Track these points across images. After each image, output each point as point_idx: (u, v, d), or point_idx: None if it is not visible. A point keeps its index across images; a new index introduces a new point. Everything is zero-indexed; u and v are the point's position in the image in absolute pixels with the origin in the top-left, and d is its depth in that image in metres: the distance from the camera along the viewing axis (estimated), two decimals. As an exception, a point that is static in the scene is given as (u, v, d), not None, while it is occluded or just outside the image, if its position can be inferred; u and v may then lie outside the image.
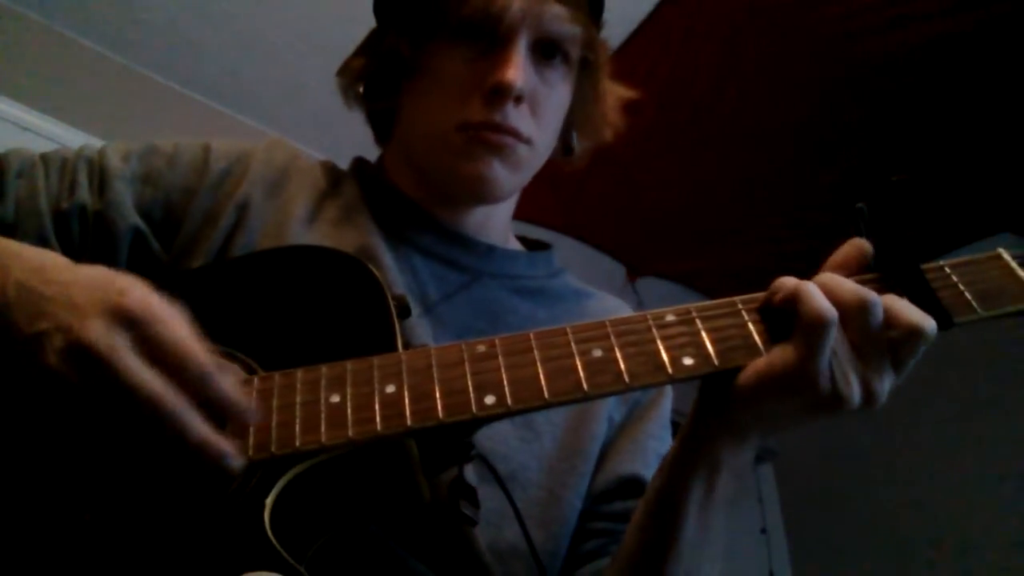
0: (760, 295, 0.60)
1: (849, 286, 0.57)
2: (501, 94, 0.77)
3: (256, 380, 0.59)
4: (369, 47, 0.90)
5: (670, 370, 0.57)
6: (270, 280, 0.69)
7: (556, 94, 0.84)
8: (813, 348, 0.54)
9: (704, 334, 0.58)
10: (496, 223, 0.91)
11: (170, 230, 0.78)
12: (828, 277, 0.59)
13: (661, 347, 0.58)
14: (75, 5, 2.20)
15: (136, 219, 0.77)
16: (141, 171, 0.80)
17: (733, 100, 2.35)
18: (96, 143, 0.83)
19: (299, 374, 0.59)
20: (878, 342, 0.56)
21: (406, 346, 0.63)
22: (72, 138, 2.09)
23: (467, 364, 0.58)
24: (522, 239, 0.99)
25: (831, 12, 2.10)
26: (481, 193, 0.83)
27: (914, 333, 0.56)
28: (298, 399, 0.58)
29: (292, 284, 0.69)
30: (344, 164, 0.95)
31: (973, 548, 2.53)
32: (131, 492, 0.54)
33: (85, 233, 0.75)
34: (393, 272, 0.79)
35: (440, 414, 0.56)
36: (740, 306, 0.60)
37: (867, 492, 2.88)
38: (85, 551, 0.52)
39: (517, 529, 0.70)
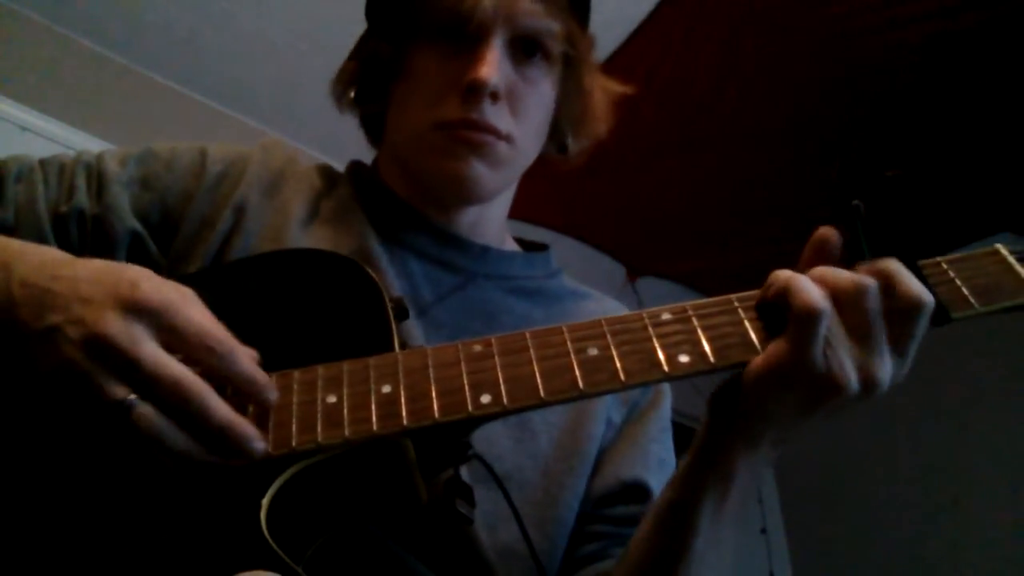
0: (756, 292, 0.60)
1: (845, 274, 0.57)
2: (476, 92, 0.78)
3: None
4: (357, 52, 0.91)
5: (666, 368, 0.57)
6: (268, 283, 0.70)
7: (537, 91, 0.84)
8: (805, 338, 0.54)
9: (700, 332, 0.58)
10: (490, 223, 0.91)
11: (168, 233, 0.79)
12: (823, 268, 0.59)
13: (657, 345, 0.58)
14: (75, 5, 2.20)
15: (134, 223, 0.77)
16: (139, 175, 0.80)
17: (733, 100, 2.35)
18: (96, 143, 0.84)
19: (296, 375, 0.60)
20: (874, 324, 0.56)
21: (402, 347, 0.63)
22: (72, 138, 2.09)
23: (463, 363, 0.59)
24: (520, 240, 0.99)
25: (831, 12, 2.10)
26: (463, 192, 0.83)
27: (913, 305, 0.56)
28: (295, 399, 0.58)
29: (289, 287, 0.69)
30: (345, 164, 0.96)
31: (973, 548, 2.53)
32: (133, 489, 0.54)
33: (84, 237, 0.75)
34: (389, 275, 0.79)
35: (436, 413, 0.56)
36: (736, 304, 0.60)
37: (867, 492, 2.88)
38: (86, 549, 0.52)
39: (513, 530, 0.70)
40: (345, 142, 1.03)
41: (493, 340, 0.60)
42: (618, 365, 0.57)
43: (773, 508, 3.17)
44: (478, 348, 0.59)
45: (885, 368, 0.56)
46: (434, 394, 0.57)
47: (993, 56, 2.13)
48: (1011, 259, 0.62)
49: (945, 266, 0.62)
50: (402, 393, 0.57)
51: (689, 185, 2.63)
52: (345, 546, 0.62)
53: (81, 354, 0.51)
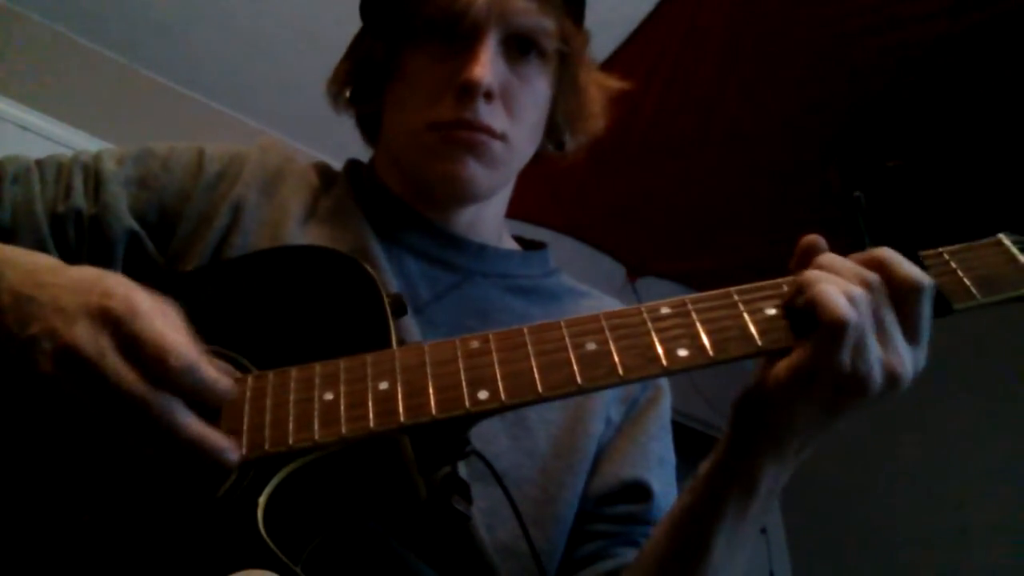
0: (755, 285, 0.60)
1: (849, 270, 0.58)
2: (470, 92, 0.77)
3: (250, 379, 0.59)
4: (352, 52, 0.91)
5: (665, 362, 0.57)
6: (265, 280, 0.69)
7: (532, 89, 0.83)
8: (836, 347, 0.55)
9: (699, 325, 0.58)
10: (487, 222, 0.91)
11: (165, 232, 0.79)
12: (830, 261, 0.59)
13: (656, 339, 0.58)
14: (75, 5, 2.20)
15: (131, 222, 0.77)
16: (136, 175, 0.80)
17: (733, 100, 2.35)
18: (96, 143, 0.84)
19: (293, 372, 0.59)
20: (885, 316, 0.56)
21: (400, 344, 0.62)
22: (72, 138, 2.09)
23: (460, 360, 0.58)
24: (519, 239, 0.99)
25: (830, 12, 2.10)
26: (458, 192, 0.83)
27: (912, 287, 0.56)
28: (292, 397, 0.58)
29: (287, 284, 0.68)
30: (343, 163, 0.95)
31: (973, 548, 2.53)
32: (127, 493, 0.54)
33: (81, 237, 0.75)
34: (387, 273, 0.79)
35: (433, 410, 0.56)
36: (735, 297, 0.60)
37: (867, 492, 2.88)
38: (82, 552, 0.52)
39: (511, 528, 0.70)
40: (343, 141, 1.03)
41: (491, 336, 0.59)
42: (616, 360, 0.57)
43: (773, 508, 3.17)
44: (476, 344, 0.59)
45: (904, 358, 0.56)
46: (431, 391, 0.57)
47: (993, 57, 2.13)
48: (1014, 249, 0.61)
49: (947, 256, 0.61)
50: (399, 390, 0.57)
51: (689, 185, 2.63)
52: (343, 544, 0.62)
53: (53, 366, 0.51)
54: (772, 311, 0.59)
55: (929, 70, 2.19)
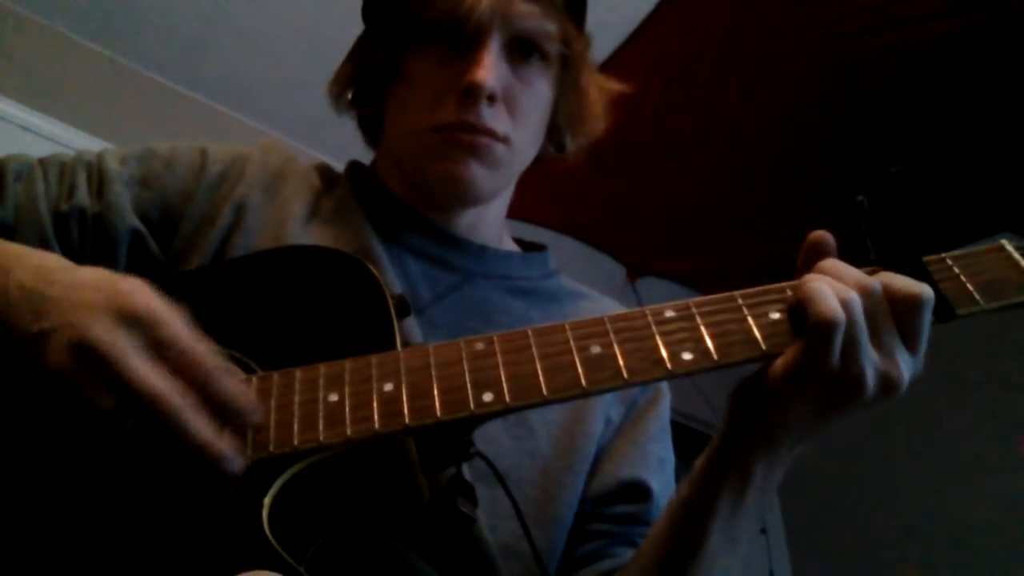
0: (760, 289, 0.60)
1: (851, 276, 0.58)
2: (473, 95, 0.78)
3: (255, 380, 0.59)
4: (354, 54, 0.91)
5: (669, 366, 0.57)
6: (269, 280, 0.69)
7: (534, 92, 0.84)
8: (821, 347, 0.55)
9: (703, 329, 0.58)
10: (488, 223, 0.91)
11: (168, 232, 0.79)
12: (833, 267, 0.59)
13: (660, 343, 0.58)
14: (75, 5, 2.20)
15: (134, 221, 0.77)
16: (139, 174, 0.80)
17: (733, 100, 2.35)
18: (96, 143, 0.84)
19: (297, 373, 0.59)
20: (883, 325, 0.57)
21: (403, 346, 0.63)
22: (72, 138, 2.09)
23: (465, 362, 0.58)
24: (518, 241, 0.99)
25: (831, 12, 2.10)
26: (460, 194, 0.83)
27: (913, 301, 0.57)
28: (296, 398, 0.58)
29: (291, 284, 0.68)
30: (344, 164, 0.96)
31: (972, 547, 2.53)
32: (132, 491, 0.54)
33: (84, 235, 0.76)
34: (389, 274, 0.79)
35: (438, 412, 0.56)
36: (740, 301, 0.60)
37: (867, 492, 2.88)
38: (85, 550, 0.52)
39: (512, 529, 0.70)
40: (344, 142, 1.03)
41: (495, 338, 0.60)
42: (621, 363, 0.57)
43: (773, 508, 3.17)
44: (480, 346, 0.59)
45: (900, 366, 0.57)
46: (436, 392, 0.57)
47: (993, 57, 2.13)
48: (1016, 255, 0.61)
49: (950, 262, 0.62)
50: (404, 391, 0.57)
51: (689, 185, 2.63)
52: (347, 545, 0.62)
53: (69, 359, 0.51)
54: (776, 315, 0.59)
55: (929, 70, 2.19)
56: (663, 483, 0.83)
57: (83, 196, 0.76)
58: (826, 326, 0.55)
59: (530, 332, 0.60)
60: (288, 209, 0.83)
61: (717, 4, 2.13)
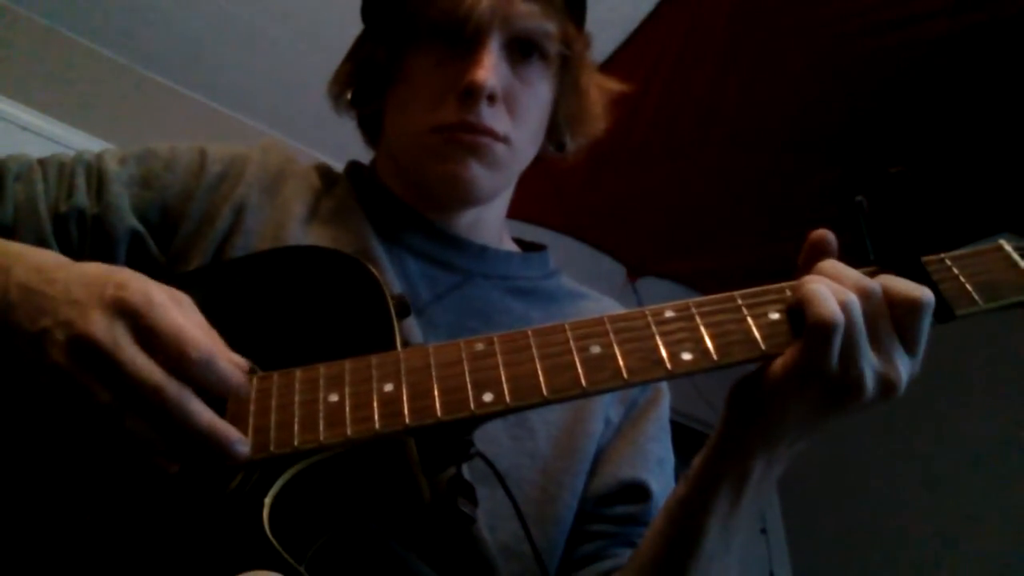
0: (759, 289, 0.60)
1: (851, 278, 0.58)
2: (473, 95, 0.78)
3: (255, 380, 0.59)
4: (353, 54, 0.91)
5: (669, 366, 0.57)
6: (269, 281, 0.70)
7: (534, 92, 0.84)
8: (819, 348, 0.55)
9: (703, 329, 0.58)
10: (488, 223, 0.91)
11: (167, 232, 0.79)
12: (832, 268, 0.59)
13: (660, 343, 0.58)
14: (75, 5, 2.20)
15: (134, 222, 0.77)
16: (138, 174, 0.80)
17: (733, 100, 2.35)
18: (96, 143, 0.84)
19: (297, 373, 0.60)
20: (882, 329, 0.57)
21: (403, 346, 0.63)
22: (72, 138, 2.09)
23: (465, 362, 0.58)
24: (518, 241, 0.99)
25: (831, 12, 2.10)
26: (461, 194, 0.83)
27: (913, 305, 0.57)
28: (296, 398, 0.58)
29: (291, 285, 0.69)
30: (344, 164, 0.96)
31: (972, 547, 2.53)
32: (132, 488, 0.54)
33: (84, 236, 0.76)
34: (389, 274, 0.79)
35: (438, 412, 0.56)
36: (739, 301, 0.60)
37: (867, 492, 2.88)
38: (85, 550, 0.52)
39: (511, 529, 0.70)
40: (344, 142, 1.03)
41: (495, 338, 0.60)
42: (620, 363, 0.57)
43: (773, 508, 3.17)
44: (480, 346, 0.59)
45: (900, 368, 0.57)
46: (436, 393, 0.57)
47: (993, 57, 2.13)
48: (1015, 255, 0.61)
49: (949, 262, 0.62)
50: (404, 392, 0.57)
51: (689, 185, 2.63)
52: (347, 545, 0.62)
53: (66, 356, 0.51)
54: (776, 315, 0.59)
55: (929, 70, 2.19)
56: (663, 483, 0.83)
57: (82, 197, 0.76)
58: (825, 328, 0.55)
59: (530, 332, 0.60)
60: (288, 209, 0.83)
61: (717, 4, 2.13)
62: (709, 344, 0.58)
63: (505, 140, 0.81)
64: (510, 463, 0.74)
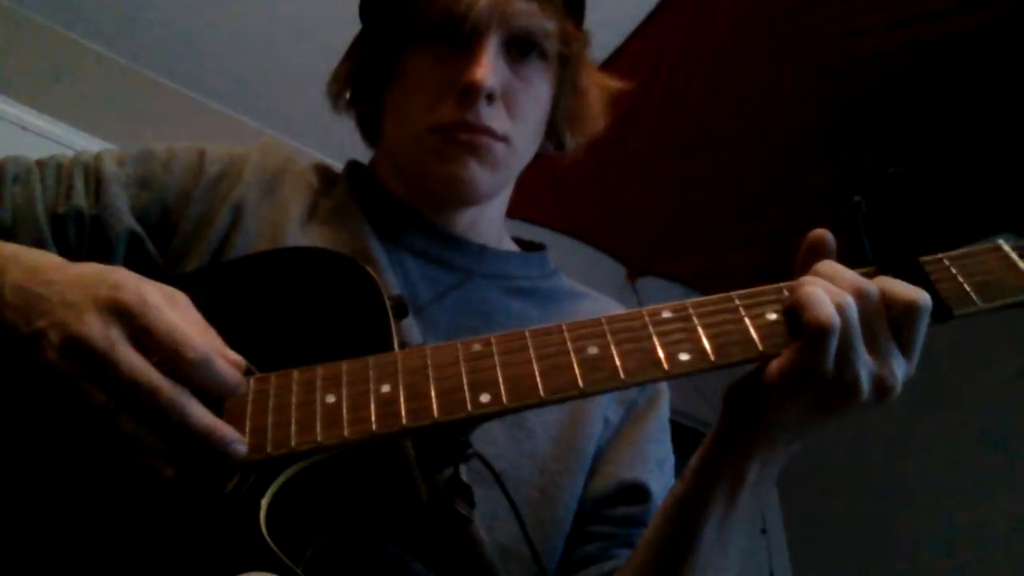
0: (757, 290, 0.60)
1: (848, 279, 0.58)
2: (471, 94, 0.77)
3: (252, 381, 0.59)
4: (352, 53, 0.91)
5: (666, 366, 0.57)
6: (266, 282, 0.70)
7: (533, 90, 0.84)
8: (816, 351, 0.55)
9: (700, 330, 0.58)
10: (487, 223, 0.91)
11: (166, 233, 0.79)
12: (829, 268, 0.59)
13: (657, 343, 0.58)
14: (75, 5, 2.20)
15: (132, 223, 0.77)
16: (137, 175, 0.80)
17: (733, 101, 2.35)
18: (96, 143, 0.84)
19: (295, 374, 0.60)
20: (879, 331, 0.57)
21: (401, 347, 0.63)
22: (72, 138, 2.09)
23: (462, 363, 0.58)
24: (518, 241, 0.99)
25: (830, 12, 2.10)
26: (460, 194, 0.83)
27: (911, 308, 0.57)
28: (294, 399, 0.58)
29: (288, 286, 0.69)
30: (344, 164, 0.95)
31: (972, 547, 2.53)
32: (129, 491, 0.54)
33: (82, 237, 0.75)
34: (388, 274, 0.79)
35: (435, 413, 0.56)
36: (737, 301, 0.60)
37: (867, 492, 2.88)
38: (83, 552, 0.52)
39: (510, 530, 0.70)
40: (343, 142, 1.03)
41: (492, 339, 0.60)
42: (618, 364, 0.57)
43: (773, 508, 3.17)
44: (477, 347, 0.59)
45: (896, 371, 0.57)
46: (433, 394, 0.57)
47: (993, 57, 2.13)
48: (1013, 255, 0.61)
49: (947, 262, 0.62)
50: (401, 393, 0.57)
51: (689, 185, 2.63)
52: (345, 547, 0.62)
53: (61, 358, 0.51)
54: (773, 316, 0.59)
55: (930, 70, 2.19)
56: (663, 484, 0.82)
57: (80, 198, 0.76)
58: (821, 331, 0.55)
59: (527, 333, 0.60)
60: (286, 210, 0.82)
61: (717, 4, 2.13)
62: (706, 345, 0.58)
63: (504, 139, 0.81)
64: (508, 464, 0.74)
